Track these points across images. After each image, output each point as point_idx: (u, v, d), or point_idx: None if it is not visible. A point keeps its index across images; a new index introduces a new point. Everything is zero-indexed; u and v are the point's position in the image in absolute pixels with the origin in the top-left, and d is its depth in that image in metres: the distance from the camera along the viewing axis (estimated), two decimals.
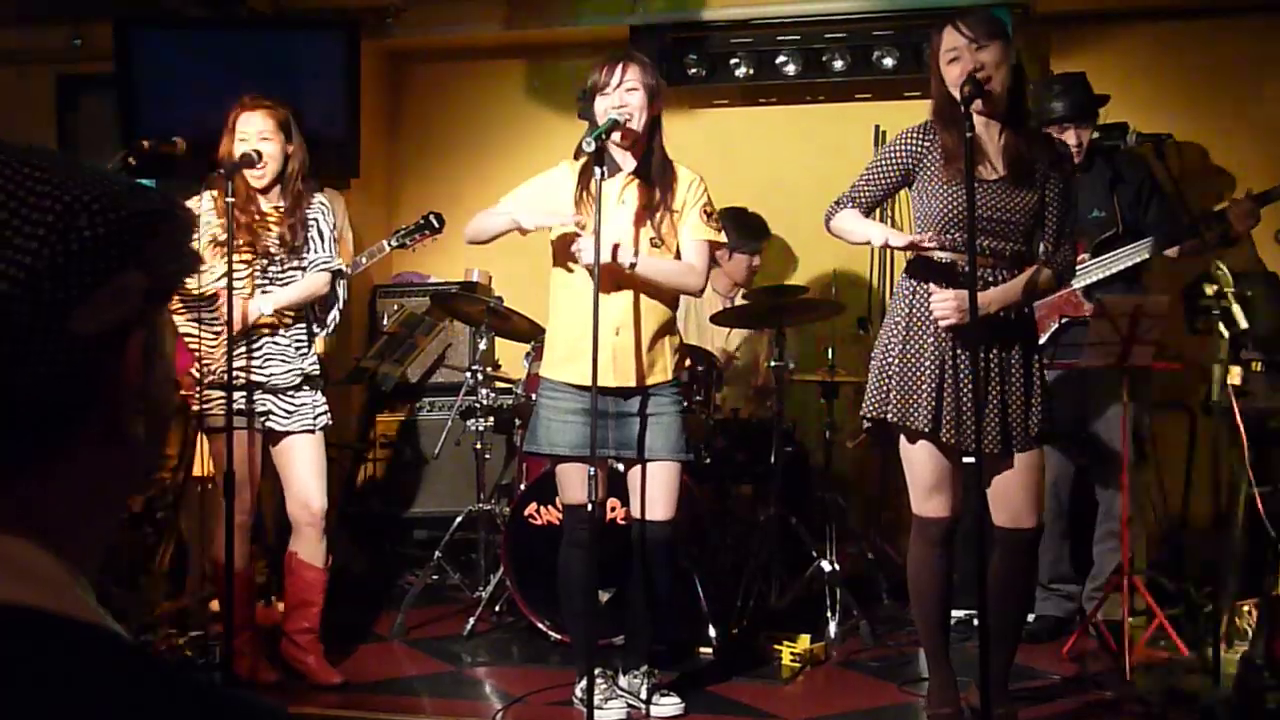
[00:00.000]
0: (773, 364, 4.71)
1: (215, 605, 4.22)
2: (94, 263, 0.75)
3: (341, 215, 5.40)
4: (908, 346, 3.37)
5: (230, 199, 3.72)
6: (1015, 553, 3.42)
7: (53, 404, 0.75)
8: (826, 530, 4.75)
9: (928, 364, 3.34)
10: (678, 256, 3.71)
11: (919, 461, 3.41)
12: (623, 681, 3.80)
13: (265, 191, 3.94)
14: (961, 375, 3.32)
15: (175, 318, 3.88)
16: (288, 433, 3.99)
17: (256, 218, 3.91)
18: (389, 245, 4.45)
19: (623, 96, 3.59)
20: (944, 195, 3.33)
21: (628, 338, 3.66)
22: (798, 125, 5.96)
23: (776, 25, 5.74)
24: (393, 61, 6.50)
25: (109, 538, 0.83)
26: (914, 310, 3.39)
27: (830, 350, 4.93)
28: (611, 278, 3.59)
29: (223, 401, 3.82)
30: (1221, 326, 3.99)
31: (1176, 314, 4.31)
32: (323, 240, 4.00)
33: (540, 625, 4.39)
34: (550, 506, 4.32)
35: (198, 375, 3.95)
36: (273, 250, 3.93)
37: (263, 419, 3.94)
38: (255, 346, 3.92)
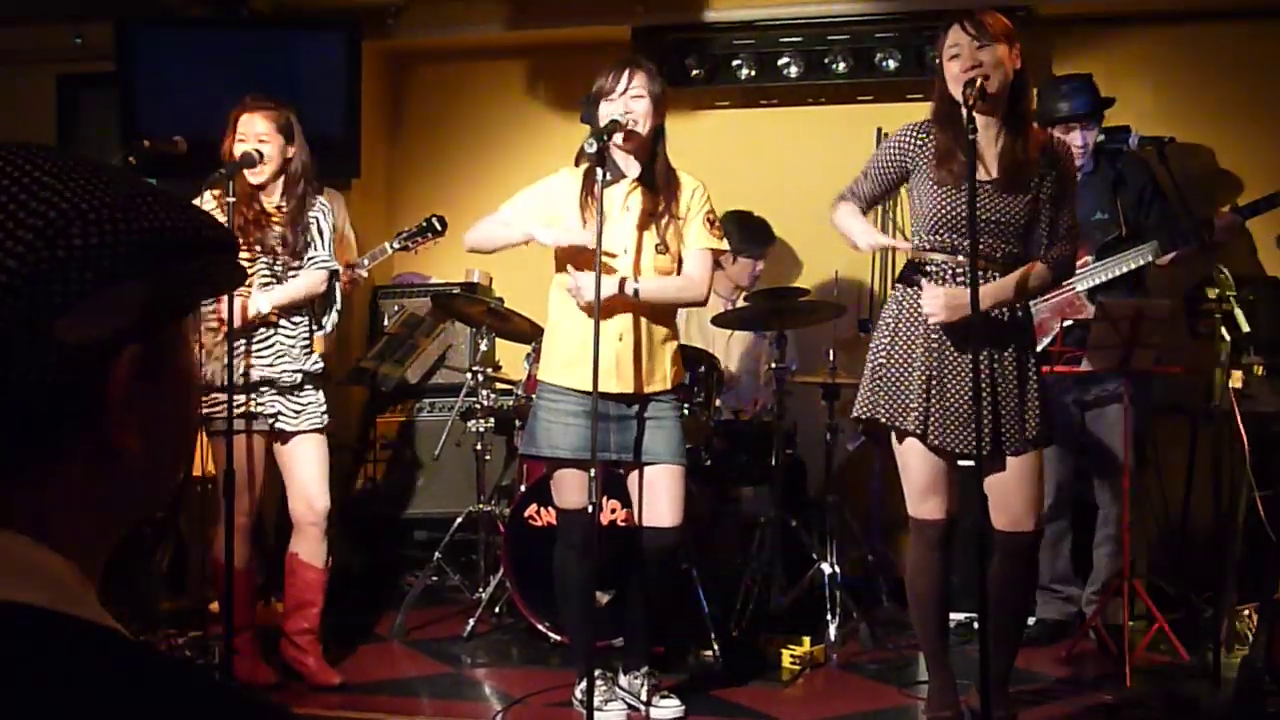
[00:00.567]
0: (774, 366, 4.71)
1: (215, 606, 4.22)
2: (80, 272, 0.73)
3: (343, 216, 5.39)
4: (894, 349, 3.38)
5: (231, 199, 3.72)
6: (1015, 556, 3.41)
7: (36, 409, 0.74)
8: (827, 533, 4.75)
9: (916, 366, 3.34)
10: (681, 262, 3.71)
11: (912, 463, 3.41)
12: (622, 682, 3.79)
13: (265, 189, 3.94)
14: (949, 377, 3.32)
15: None
16: (297, 432, 3.99)
17: (259, 216, 3.91)
18: (391, 248, 4.45)
19: (628, 103, 3.57)
20: (934, 196, 3.33)
21: (629, 344, 3.65)
22: (799, 127, 5.95)
23: (778, 27, 5.75)
24: (394, 62, 6.50)
25: (114, 541, 0.82)
26: (902, 312, 3.39)
27: (831, 352, 4.93)
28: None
29: (224, 402, 3.81)
30: (1223, 330, 3.99)
31: (1178, 318, 4.31)
32: (321, 239, 4.00)
33: (540, 626, 4.38)
34: (550, 508, 4.31)
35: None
36: (275, 249, 3.92)
37: (272, 419, 3.94)
38: (262, 344, 3.92)
